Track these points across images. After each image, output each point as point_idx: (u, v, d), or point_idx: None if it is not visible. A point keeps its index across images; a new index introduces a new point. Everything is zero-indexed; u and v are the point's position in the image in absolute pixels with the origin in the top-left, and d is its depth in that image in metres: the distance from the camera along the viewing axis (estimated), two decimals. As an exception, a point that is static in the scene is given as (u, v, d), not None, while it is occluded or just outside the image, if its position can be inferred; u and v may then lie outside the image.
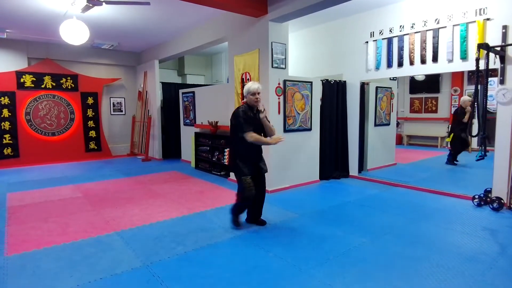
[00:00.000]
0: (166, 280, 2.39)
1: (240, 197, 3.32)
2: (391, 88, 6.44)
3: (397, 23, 5.06)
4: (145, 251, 2.89)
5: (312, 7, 4.16)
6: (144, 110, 8.76)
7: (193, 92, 7.40)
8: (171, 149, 8.64)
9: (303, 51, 6.60)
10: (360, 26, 5.54)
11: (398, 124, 9.10)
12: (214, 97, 6.66)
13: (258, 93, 3.20)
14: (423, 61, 4.76)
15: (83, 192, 5.04)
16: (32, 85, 7.64)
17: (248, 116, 3.17)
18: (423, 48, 4.73)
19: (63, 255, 2.83)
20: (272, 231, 3.36)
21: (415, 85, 9.69)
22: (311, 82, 5.29)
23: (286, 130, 4.99)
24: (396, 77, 6.27)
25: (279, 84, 4.85)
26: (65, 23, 4.85)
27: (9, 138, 7.43)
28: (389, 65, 5.19)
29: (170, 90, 8.68)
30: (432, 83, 9.22)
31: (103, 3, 4.16)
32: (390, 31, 5.14)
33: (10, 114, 7.41)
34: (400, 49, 5.02)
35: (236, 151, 3.32)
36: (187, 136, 7.76)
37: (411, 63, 4.90)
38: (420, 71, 4.93)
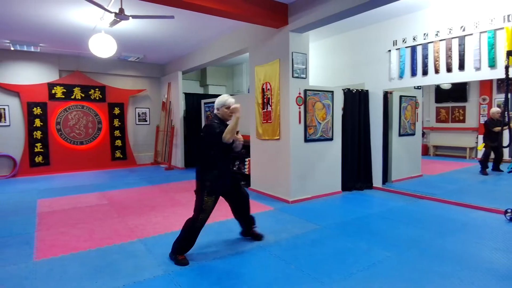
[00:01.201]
0: (187, 289, 2.40)
1: (187, 227, 2.91)
2: (415, 97, 6.28)
3: (420, 31, 4.96)
4: (168, 259, 2.92)
5: (332, 17, 4.16)
6: (167, 120, 8.97)
7: (215, 103, 7.48)
8: (194, 158, 8.76)
9: (324, 60, 6.58)
10: (382, 34, 5.48)
11: (423, 134, 8.85)
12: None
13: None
14: (449, 69, 4.63)
15: (109, 200, 5.18)
16: (63, 96, 8.01)
17: (221, 130, 2.90)
18: (449, 56, 4.60)
19: (88, 261, 2.91)
20: (293, 242, 3.32)
21: (441, 94, 9.40)
22: (332, 92, 5.25)
23: (306, 140, 4.96)
24: (421, 86, 6.12)
25: (299, 93, 4.85)
26: (94, 37, 5.08)
27: (41, 146, 7.79)
28: (413, 73, 5.08)
29: (192, 101, 8.85)
30: (459, 91, 8.92)
31: (130, 18, 4.33)
32: (414, 39, 5.04)
33: (42, 124, 7.78)
34: (425, 57, 4.91)
35: (207, 165, 2.95)
36: (209, 146, 7.83)
37: (436, 71, 4.78)
38: (446, 79, 4.79)
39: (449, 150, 9.29)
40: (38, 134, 7.75)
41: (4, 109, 7.46)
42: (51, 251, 3.14)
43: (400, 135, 5.99)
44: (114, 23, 4.61)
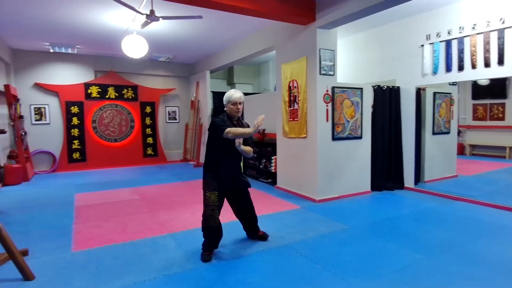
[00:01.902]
0: (214, 284, 2.45)
1: (202, 228, 2.92)
2: (450, 93, 6.00)
3: (456, 24, 4.73)
4: (196, 254, 2.99)
5: (362, 12, 4.06)
6: (196, 118, 9.15)
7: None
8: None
9: (353, 56, 6.44)
10: (414, 29, 5.27)
11: (459, 132, 8.43)
12: (261, 105, 6.75)
13: (240, 103, 2.93)
14: (487, 64, 4.38)
15: (141, 195, 5.38)
16: (98, 96, 8.39)
17: (225, 122, 2.88)
18: (487, 50, 4.36)
19: (121, 253, 3.05)
20: (320, 242, 3.30)
21: (478, 90, 8.89)
22: (362, 89, 5.14)
23: (334, 138, 4.89)
24: (456, 82, 5.84)
25: (327, 91, 4.78)
26: (127, 38, 5.27)
27: (78, 143, 8.22)
28: (448, 69, 4.85)
29: (219, 99, 8.97)
30: (497, 88, 8.39)
31: (160, 19, 4.46)
32: (449, 33, 4.82)
33: (79, 122, 8.20)
34: (460, 51, 4.68)
35: (208, 162, 2.97)
36: (236, 143, 7.91)
37: (473, 66, 4.54)
38: (483, 75, 4.54)
39: (487, 150, 8.78)
40: (75, 132, 8.17)
41: (44, 108, 7.93)
42: (87, 243, 3.31)
43: (433, 133, 5.75)
44: (145, 24, 4.77)
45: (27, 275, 2.53)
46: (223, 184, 2.93)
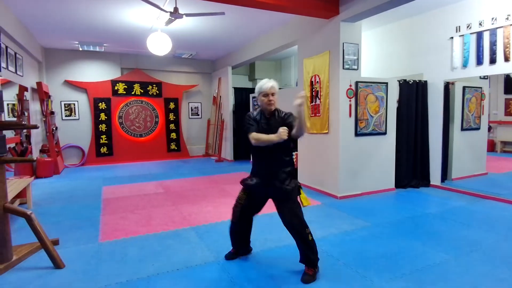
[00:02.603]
0: (236, 278, 2.49)
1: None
2: (481, 88, 5.74)
3: (488, 15, 4.50)
4: (218, 247, 3.04)
5: (388, 4, 3.94)
6: (218, 114, 9.24)
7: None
8: (242, 151, 8.94)
9: (378, 50, 6.27)
10: (443, 21, 5.07)
11: (490, 128, 8.05)
12: (282, 101, 6.68)
13: (272, 94, 2.52)
14: (523, 57, 4.16)
15: (165, 188, 5.51)
16: (124, 92, 8.64)
17: (255, 120, 2.58)
18: (523, 42, 4.13)
19: (146, 244, 3.14)
20: (341, 238, 3.26)
21: (511, 84, 8.45)
22: (387, 83, 5.00)
23: (357, 134, 4.80)
24: (487, 76, 5.57)
25: (350, 86, 4.69)
26: (152, 36, 5.38)
27: (105, 138, 8.51)
28: (479, 62, 4.64)
29: (241, 95, 9.02)
30: (534, 81, 7.94)
31: (184, 16, 4.52)
32: (480, 24, 4.59)
33: (106, 117, 8.48)
34: (492, 44, 4.45)
35: (251, 160, 2.77)
36: (257, 139, 7.93)
37: (506, 59, 4.31)
38: (518, 68, 4.31)
39: (521, 147, 8.34)
40: (103, 127, 8.46)
41: (74, 104, 8.26)
42: (114, 234, 3.43)
43: (462, 129, 5.53)
44: (169, 22, 4.85)
45: (57, 264, 2.66)
46: (252, 186, 2.61)
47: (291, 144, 2.58)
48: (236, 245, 2.85)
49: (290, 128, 2.42)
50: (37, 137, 7.07)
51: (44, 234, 2.68)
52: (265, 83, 2.52)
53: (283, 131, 2.32)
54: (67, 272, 2.60)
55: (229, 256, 2.83)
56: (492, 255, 2.80)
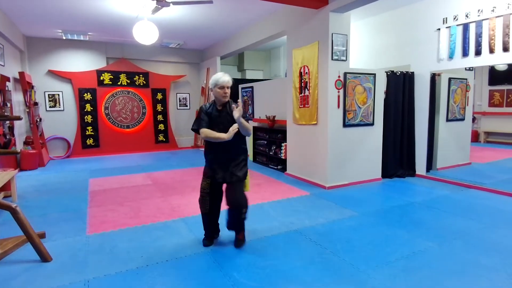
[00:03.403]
0: (226, 267, 2.51)
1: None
2: (466, 79, 5.84)
3: (474, 7, 4.56)
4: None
5: (377, -5, 3.95)
6: (206, 104, 9.16)
7: (252, 87, 7.53)
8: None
9: (366, 41, 6.29)
10: (430, 12, 5.11)
11: (474, 119, 8.23)
12: (272, 92, 6.70)
13: (228, 87, 2.72)
14: (505, 49, 4.23)
15: (153, 180, 5.47)
16: (110, 83, 8.47)
17: (209, 113, 2.74)
18: (506, 34, 4.20)
19: (135, 236, 3.13)
20: (329, 228, 3.31)
21: (495, 76, 8.60)
22: (374, 74, 5.04)
23: (345, 125, 4.84)
24: (472, 67, 5.67)
25: (339, 77, 4.71)
26: (138, 24, 5.26)
27: (91, 130, 8.36)
28: (465, 53, 4.71)
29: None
30: (517, 73, 8.12)
31: (171, 4, 4.43)
32: (467, 16, 4.65)
33: (92, 108, 8.32)
34: (478, 35, 4.52)
35: (204, 149, 2.91)
36: (246, 130, 7.92)
37: (491, 51, 4.39)
38: (501, 60, 4.39)
39: (503, 137, 8.56)
40: (89, 118, 8.30)
41: (58, 95, 8.06)
42: (102, 226, 3.40)
43: (448, 120, 5.63)
44: (155, 10, 4.74)
45: (44, 257, 2.63)
46: (213, 172, 2.79)
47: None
48: (210, 233, 2.96)
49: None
50: (20, 129, 6.89)
51: (30, 227, 2.64)
52: (222, 77, 2.72)
53: (232, 131, 2.64)
54: (55, 265, 2.57)
55: (208, 243, 2.91)
56: (475, 243, 2.89)
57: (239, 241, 2.90)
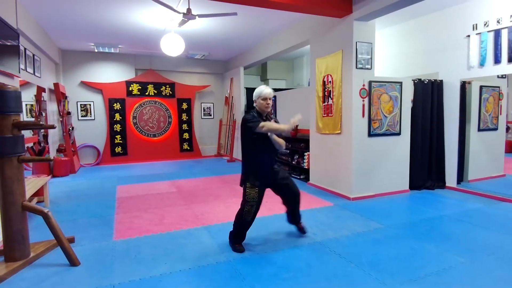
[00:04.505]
0: (247, 277, 2.49)
1: (237, 219, 2.99)
2: (499, 87, 5.58)
3: (506, 12, 4.38)
4: (229, 247, 3.05)
5: (402, 2, 3.87)
6: (230, 114, 9.28)
7: (275, 97, 7.55)
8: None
9: (392, 49, 6.18)
10: (459, 18, 4.96)
11: (508, 129, 7.83)
12: (295, 101, 6.69)
13: (270, 99, 2.94)
14: (543, 55, 4.03)
15: (177, 188, 5.57)
16: (138, 93, 8.77)
17: (256, 120, 2.88)
18: (544, 40, 4.00)
19: (159, 243, 3.18)
20: (354, 240, 3.23)
21: (532, 83, 8.19)
22: (401, 83, 4.93)
23: (370, 134, 4.74)
24: (505, 75, 5.42)
25: (363, 85, 4.64)
26: (165, 37, 5.44)
27: (120, 138, 8.66)
28: (497, 60, 4.52)
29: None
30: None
31: (196, 17, 4.55)
32: (498, 22, 4.47)
33: (121, 118, 8.63)
34: (511, 42, 4.33)
35: (249, 160, 2.99)
36: (269, 139, 7.93)
37: (527, 57, 4.19)
38: (539, 66, 4.18)
39: (542, 148, 8.08)
40: (117, 127, 8.61)
41: (90, 105, 8.43)
42: (128, 232, 3.49)
43: (479, 129, 5.39)
44: (182, 23, 4.89)
45: (73, 261, 2.72)
46: (263, 179, 2.94)
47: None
48: (243, 238, 3.06)
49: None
50: (54, 137, 7.24)
51: (61, 232, 2.75)
52: (265, 89, 2.95)
53: (293, 123, 2.79)
54: (82, 270, 2.66)
55: (243, 249, 2.98)
56: (509, 259, 2.73)
57: (303, 228, 3.32)
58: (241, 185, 3.03)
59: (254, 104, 3.01)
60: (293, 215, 3.29)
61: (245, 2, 4.04)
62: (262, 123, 2.78)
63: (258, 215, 3.98)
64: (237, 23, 6.01)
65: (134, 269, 2.66)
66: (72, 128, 7.90)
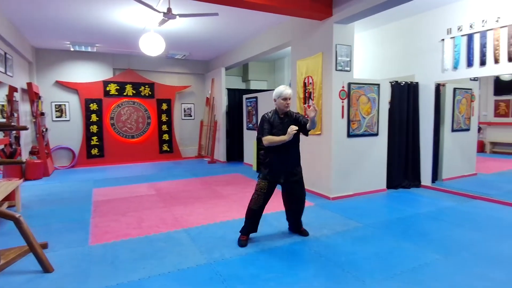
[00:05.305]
0: (228, 279, 2.47)
1: (246, 212, 3.19)
2: (471, 89, 5.82)
3: (478, 17, 4.57)
4: (209, 249, 3.03)
5: (380, 6, 3.96)
6: (211, 115, 9.21)
7: (256, 97, 7.56)
8: (235, 153, 8.93)
9: (371, 52, 6.32)
10: (434, 23, 5.13)
11: (479, 129, 8.16)
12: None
13: (289, 99, 3.09)
14: (510, 59, 4.22)
15: (157, 190, 5.47)
16: (116, 93, 8.56)
17: (272, 121, 3.10)
18: (511, 44, 4.19)
19: (137, 247, 3.11)
20: (333, 239, 3.27)
21: (500, 86, 8.54)
22: (379, 85, 5.04)
23: (349, 135, 4.82)
24: (477, 78, 5.65)
25: (343, 87, 4.71)
26: (144, 36, 5.34)
27: (96, 140, 8.41)
28: (469, 64, 4.70)
29: (234, 96, 9.00)
30: (522, 83, 8.07)
31: (177, 16, 4.49)
32: (471, 26, 4.66)
33: (97, 118, 8.39)
34: (483, 46, 4.52)
35: (262, 153, 3.25)
36: (250, 140, 7.94)
37: (496, 61, 4.38)
38: (507, 70, 4.36)
39: (509, 147, 8.45)
40: (94, 128, 8.37)
41: (65, 105, 8.16)
42: (104, 237, 3.39)
43: (453, 130, 5.59)
44: (162, 22, 4.81)
45: (46, 268, 2.62)
46: (274, 175, 3.10)
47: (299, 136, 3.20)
48: (249, 231, 3.19)
49: (302, 124, 3.07)
50: (26, 139, 6.96)
51: (33, 238, 2.63)
52: (285, 90, 3.07)
53: (291, 131, 2.89)
54: (56, 276, 2.56)
55: (245, 243, 3.10)
56: (482, 255, 2.84)
57: (305, 231, 3.35)
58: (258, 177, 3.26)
59: (274, 103, 3.17)
60: (295, 222, 3.38)
61: (226, 3, 4.01)
62: (264, 138, 3.04)
63: (238, 216, 3.99)
64: (218, 24, 5.98)
65: (111, 274, 2.58)
66: (46, 129, 7.62)
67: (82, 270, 2.65)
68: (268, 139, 3.03)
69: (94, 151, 8.41)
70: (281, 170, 3.11)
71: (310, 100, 5.11)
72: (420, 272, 2.55)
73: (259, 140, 3.19)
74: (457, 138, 5.69)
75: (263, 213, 4.03)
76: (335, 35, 4.61)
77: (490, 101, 8.82)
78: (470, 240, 3.17)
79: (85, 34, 6.58)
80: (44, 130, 7.37)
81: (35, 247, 2.61)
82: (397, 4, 3.91)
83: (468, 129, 5.85)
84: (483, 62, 4.54)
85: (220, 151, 8.89)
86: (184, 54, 8.60)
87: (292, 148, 3.13)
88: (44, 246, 3.02)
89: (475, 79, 5.80)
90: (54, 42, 7.20)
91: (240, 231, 3.21)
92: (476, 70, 4.66)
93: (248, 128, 8.10)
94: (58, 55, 7.97)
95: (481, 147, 8.54)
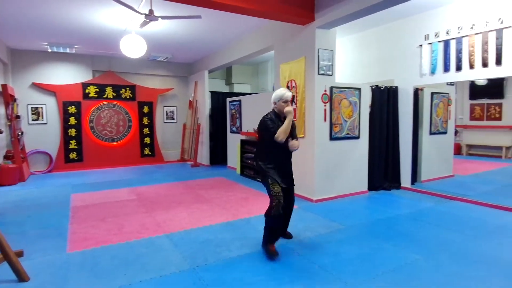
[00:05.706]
0: (211, 284, 2.44)
1: (267, 218, 3.01)
2: (448, 93, 6.02)
3: (454, 24, 4.74)
4: (192, 254, 2.98)
5: (361, 12, 4.05)
6: (194, 118, 9.13)
7: (240, 101, 7.56)
8: (218, 156, 8.87)
9: (352, 56, 6.44)
10: (413, 29, 5.28)
11: (456, 132, 8.44)
12: (259, 105, 6.72)
13: (290, 101, 3.10)
14: (484, 65, 4.39)
15: (138, 195, 5.36)
16: (96, 96, 8.36)
17: (273, 121, 3.06)
18: (485, 51, 4.36)
19: (118, 253, 3.03)
20: (317, 241, 3.29)
21: (475, 90, 8.91)
22: (360, 89, 5.14)
23: (332, 138, 4.89)
24: (454, 82, 5.85)
25: (325, 91, 4.77)
26: (125, 38, 5.24)
27: (75, 143, 8.18)
28: (446, 69, 4.86)
29: (218, 99, 8.96)
30: (495, 88, 8.40)
31: (159, 18, 4.44)
32: (447, 33, 4.82)
33: (76, 122, 8.16)
34: (459, 52, 4.68)
35: (264, 159, 3.12)
36: (233, 143, 7.92)
37: (471, 66, 4.55)
38: (481, 75, 4.54)
39: (484, 150, 8.80)
40: (72, 132, 8.13)
41: (41, 108, 7.89)
42: (83, 243, 3.29)
43: (431, 133, 5.76)
44: (144, 24, 4.74)
45: (22, 277, 2.51)
46: (282, 181, 3.07)
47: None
48: (276, 238, 3.10)
49: (293, 127, 3.13)
50: (1, 142, 6.69)
51: (7, 245, 2.52)
52: (286, 93, 3.06)
53: (287, 109, 2.97)
54: (33, 285, 2.46)
55: (276, 254, 2.91)
56: (461, 255, 2.92)
57: (289, 234, 3.37)
58: (262, 182, 3.18)
59: (273, 106, 3.12)
60: (284, 228, 3.34)
61: (209, 6, 4.00)
62: (277, 135, 2.92)
63: (223, 219, 3.96)
64: (201, 26, 5.95)
65: (90, 282, 2.50)
66: (22, 133, 7.35)
67: (60, 279, 2.55)
68: (282, 131, 2.93)
69: (73, 155, 8.16)
70: (284, 176, 3.11)
71: (293, 103, 5.15)
72: (401, 272, 2.60)
73: (266, 144, 3.06)
74: (435, 141, 5.87)
75: (247, 216, 4.03)
76: (317, 40, 4.67)
77: (466, 105, 9.17)
78: (449, 240, 3.26)
79: (63, 35, 6.40)
80: (19, 133, 7.11)
81: (10, 255, 2.50)
82: (378, 10, 4.00)
83: (445, 132, 6.04)
84: (459, 67, 4.70)
85: (204, 155, 8.82)
86: (167, 56, 8.51)
87: (289, 153, 3.17)
88: (20, 254, 2.90)
89: (451, 84, 6.00)
90: (30, 43, 6.97)
91: (265, 243, 3.01)
92: (453, 75, 4.82)
93: (232, 131, 8.08)
94: (35, 56, 7.72)
95: (457, 150, 8.84)
